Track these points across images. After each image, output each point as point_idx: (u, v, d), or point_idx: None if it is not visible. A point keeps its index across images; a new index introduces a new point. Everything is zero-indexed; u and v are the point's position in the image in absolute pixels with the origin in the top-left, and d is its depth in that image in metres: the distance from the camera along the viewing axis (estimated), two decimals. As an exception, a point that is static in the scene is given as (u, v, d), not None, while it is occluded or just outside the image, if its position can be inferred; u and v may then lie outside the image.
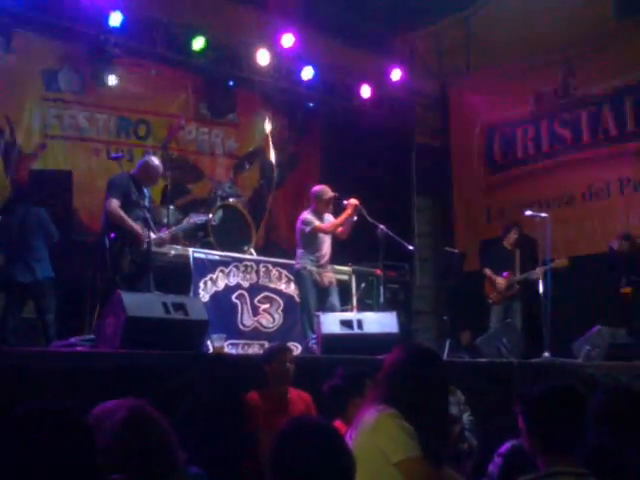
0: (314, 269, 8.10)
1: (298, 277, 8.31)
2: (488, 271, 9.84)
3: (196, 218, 8.02)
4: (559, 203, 11.16)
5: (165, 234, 7.59)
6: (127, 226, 7.02)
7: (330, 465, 2.23)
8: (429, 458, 2.97)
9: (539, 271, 9.19)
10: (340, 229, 8.25)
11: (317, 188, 8.40)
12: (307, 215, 8.26)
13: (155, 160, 7.65)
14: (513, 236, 9.90)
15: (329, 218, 8.33)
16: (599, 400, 3.40)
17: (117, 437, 2.67)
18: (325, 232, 8.17)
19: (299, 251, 8.27)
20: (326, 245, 8.26)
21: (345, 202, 8.17)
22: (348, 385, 4.97)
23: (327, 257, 8.29)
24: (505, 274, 9.66)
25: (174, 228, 7.97)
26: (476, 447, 5.31)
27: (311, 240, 8.16)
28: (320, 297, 8.11)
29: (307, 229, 8.12)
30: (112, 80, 9.86)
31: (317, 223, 8.14)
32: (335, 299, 8.25)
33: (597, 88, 10.98)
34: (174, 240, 8.55)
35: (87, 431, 2.21)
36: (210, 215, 8.73)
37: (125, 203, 7.10)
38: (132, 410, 2.81)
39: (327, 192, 8.30)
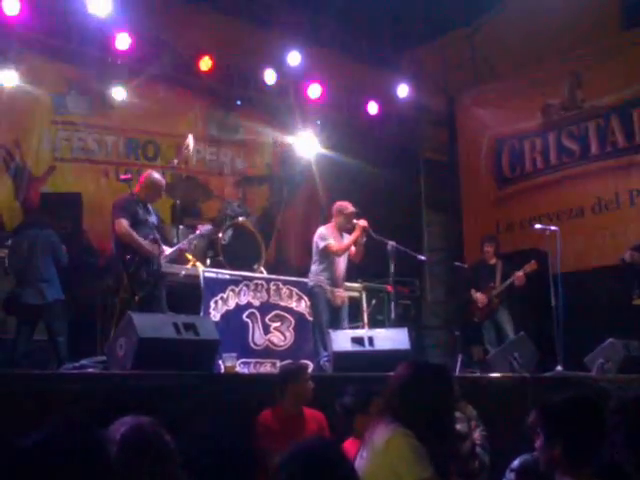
0: (327, 287, 8.09)
1: (311, 294, 8.29)
2: (472, 291, 9.91)
3: (202, 229, 8.12)
4: (569, 216, 11.12)
5: (183, 244, 7.74)
6: (137, 245, 7.06)
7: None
8: (438, 476, 2.95)
9: (518, 275, 9.47)
10: (352, 252, 8.25)
11: (338, 203, 8.42)
12: (324, 230, 8.27)
13: (156, 174, 7.70)
14: (488, 249, 10.03)
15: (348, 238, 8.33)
16: (612, 412, 3.38)
17: (118, 453, 2.69)
18: (334, 253, 8.15)
19: (313, 267, 8.27)
20: (341, 264, 8.25)
21: (355, 221, 8.18)
22: (356, 403, 4.97)
23: (341, 277, 8.29)
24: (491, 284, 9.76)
25: (184, 241, 8.02)
26: (488, 464, 5.26)
27: (326, 257, 8.16)
28: (332, 316, 8.10)
29: (321, 244, 8.13)
30: (120, 102, 9.93)
31: (330, 242, 8.12)
32: (345, 322, 8.26)
33: (604, 100, 10.96)
34: (184, 259, 8.63)
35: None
36: (211, 226, 8.71)
37: (133, 223, 7.15)
38: (132, 427, 2.83)
39: (348, 207, 8.29)
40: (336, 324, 8.02)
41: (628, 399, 3.35)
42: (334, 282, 8.16)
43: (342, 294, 8.28)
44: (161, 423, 2.93)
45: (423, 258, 8.71)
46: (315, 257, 8.25)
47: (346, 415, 5.08)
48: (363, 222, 8.14)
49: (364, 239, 8.19)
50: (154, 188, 7.55)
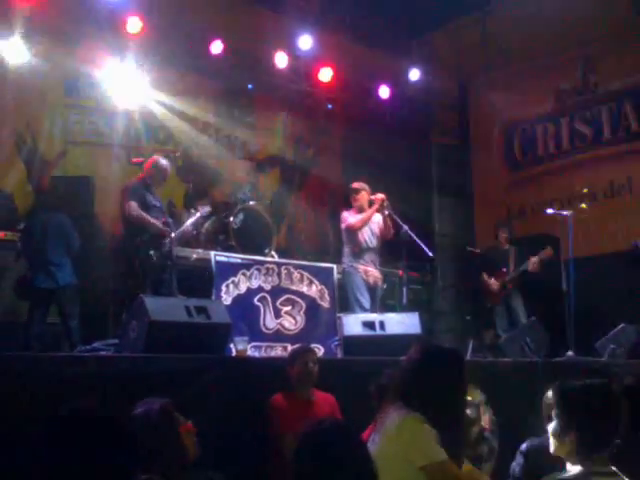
0: (360, 267, 8.26)
1: (346, 275, 8.49)
2: (484, 275, 9.91)
3: (202, 210, 8.18)
4: (581, 201, 11.07)
5: (186, 227, 7.73)
6: (148, 224, 7.13)
7: (350, 467, 2.24)
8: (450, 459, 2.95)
9: (532, 262, 9.48)
10: (380, 229, 8.50)
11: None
12: (345, 213, 8.64)
13: (163, 160, 7.77)
14: (502, 235, 10.10)
15: (378, 219, 8.58)
16: None
17: (151, 427, 2.78)
18: (355, 228, 8.41)
19: (345, 250, 8.61)
20: (371, 244, 8.52)
21: (372, 197, 8.45)
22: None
23: (372, 256, 8.52)
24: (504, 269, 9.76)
25: (187, 223, 8.04)
26: (497, 449, 5.25)
27: (352, 237, 8.46)
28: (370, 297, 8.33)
29: (343, 225, 8.55)
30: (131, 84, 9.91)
31: (350, 220, 8.43)
32: (377, 303, 8.42)
33: (617, 84, 10.90)
34: (197, 242, 8.65)
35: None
36: (209, 207, 8.70)
37: (143, 207, 7.21)
38: (163, 405, 2.92)
39: (351, 187, 8.70)
40: (372, 306, 8.27)
41: (628, 384, 3.36)
42: (366, 261, 8.41)
43: (375, 273, 8.47)
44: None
45: (430, 254, 8.69)
46: (344, 240, 8.61)
47: (382, 398, 5.08)
48: (380, 195, 8.46)
49: (386, 212, 8.36)
50: (160, 174, 7.63)
